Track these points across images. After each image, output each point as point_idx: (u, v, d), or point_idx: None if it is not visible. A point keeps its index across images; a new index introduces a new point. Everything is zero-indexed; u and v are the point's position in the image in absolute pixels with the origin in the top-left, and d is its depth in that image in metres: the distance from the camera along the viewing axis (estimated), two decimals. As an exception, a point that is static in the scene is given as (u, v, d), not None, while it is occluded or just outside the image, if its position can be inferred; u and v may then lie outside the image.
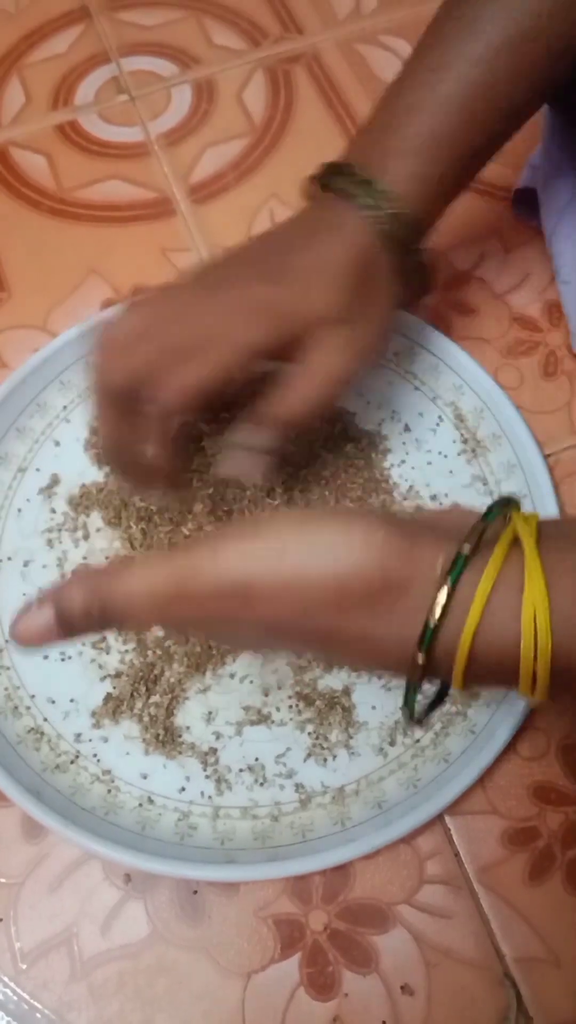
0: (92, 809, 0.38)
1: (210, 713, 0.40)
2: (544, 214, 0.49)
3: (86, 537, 0.44)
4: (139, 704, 0.40)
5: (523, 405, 0.46)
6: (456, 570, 0.25)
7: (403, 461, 0.45)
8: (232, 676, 0.41)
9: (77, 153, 0.56)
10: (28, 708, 0.40)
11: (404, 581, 0.25)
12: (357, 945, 0.36)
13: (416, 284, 0.40)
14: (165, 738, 0.39)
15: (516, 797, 0.39)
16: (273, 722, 0.40)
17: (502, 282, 0.51)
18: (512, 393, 0.46)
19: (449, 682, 0.27)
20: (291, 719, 0.40)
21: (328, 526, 0.26)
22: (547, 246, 0.50)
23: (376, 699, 0.40)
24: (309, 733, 0.40)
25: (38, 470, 0.45)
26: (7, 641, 0.42)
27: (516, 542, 0.26)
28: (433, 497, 0.44)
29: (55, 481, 0.45)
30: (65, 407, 0.47)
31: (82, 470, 0.45)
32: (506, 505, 0.27)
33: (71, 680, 0.41)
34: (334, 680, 0.40)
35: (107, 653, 0.41)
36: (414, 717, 0.28)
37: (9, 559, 0.43)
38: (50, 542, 0.44)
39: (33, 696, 0.41)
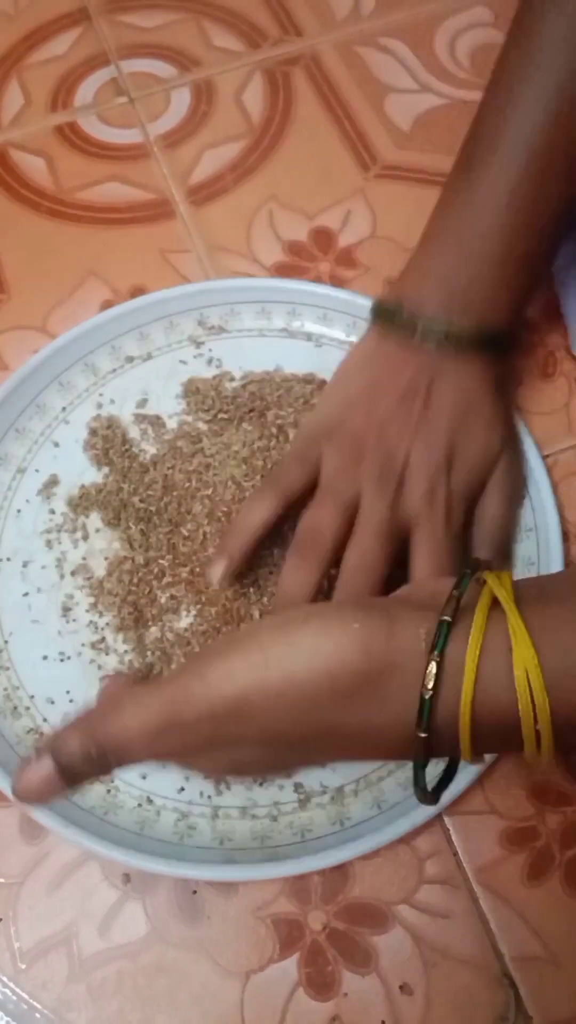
0: (91, 809, 0.38)
1: (209, 713, 0.40)
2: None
3: (85, 538, 0.44)
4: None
5: (522, 406, 0.46)
6: (441, 639, 0.25)
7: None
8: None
9: (76, 155, 0.56)
10: (27, 708, 0.40)
11: (391, 659, 0.26)
12: (356, 945, 0.36)
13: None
14: (164, 738, 0.39)
15: (515, 797, 0.39)
16: (272, 722, 0.40)
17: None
18: (510, 394, 0.46)
19: (458, 756, 0.27)
20: (290, 719, 0.40)
21: (306, 627, 0.26)
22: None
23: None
24: (308, 733, 0.40)
25: (37, 471, 0.46)
26: (5, 642, 0.42)
27: (494, 604, 0.26)
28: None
29: (54, 482, 0.45)
30: (64, 408, 0.47)
31: (81, 471, 0.45)
32: (476, 569, 0.28)
33: (70, 680, 0.41)
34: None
35: (106, 654, 0.41)
36: (427, 797, 0.28)
37: (8, 560, 0.43)
38: (49, 543, 0.44)
39: (32, 696, 0.41)
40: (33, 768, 0.28)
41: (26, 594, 0.43)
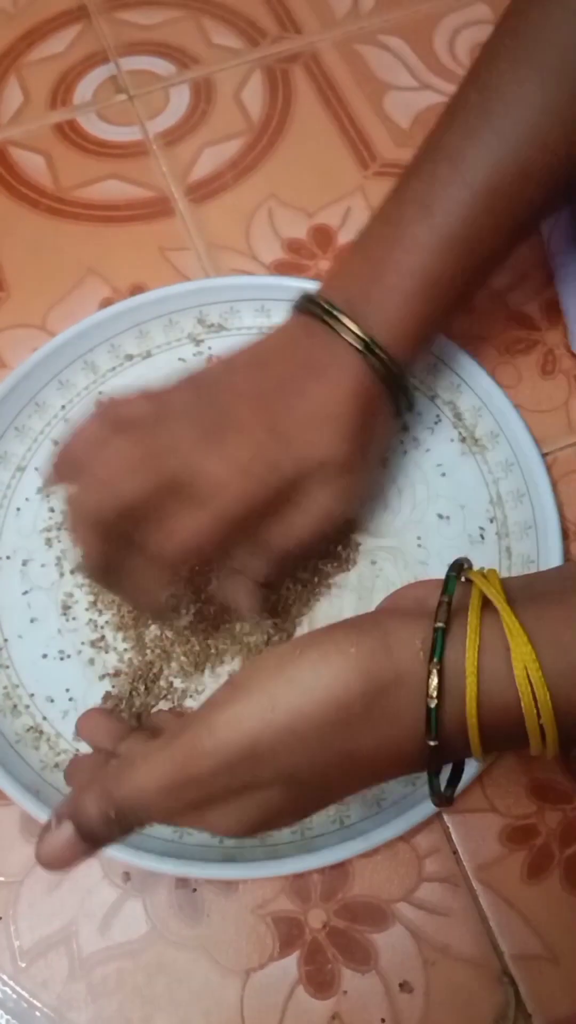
0: (91, 807, 0.38)
1: (209, 711, 0.40)
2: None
3: (85, 536, 0.44)
4: (138, 702, 0.40)
5: (521, 403, 0.46)
6: (438, 647, 0.25)
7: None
8: (231, 674, 0.41)
9: (75, 152, 0.56)
10: (27, 707, 0.40)
11: (393, 675, 0.26)
12: (356, 943, 0.36)
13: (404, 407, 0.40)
14: (164, 737, 0.39)
15: (514, 795, 0.39)
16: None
17: (500, 280, 0.51)
18: (510, 391, 0.46)
19: (469, 757, 0.27)
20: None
21: (304, 661, 0.26)
22: (545, 245, 0.50)
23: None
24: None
25: (37, 469, 0.46)
26: (5, 640, 0.42)
27: (484, 603, 0.26)
28: (432, 498, 0.44)
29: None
30: (63, 406, 0.47)
31: (81, 469, 0.45)
32: (460, 569, 0.28)
33: (70, 678, 0.41)
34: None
35: (106, 652, 0.41)
36: (444, 800, 0.28)
37: (8, 558, 0.43)
38: (48, 541, 0.44)
39: (32, 695, 0.41)
40: (55, 835, 0.27)
41: (26, 592, 0.43)
